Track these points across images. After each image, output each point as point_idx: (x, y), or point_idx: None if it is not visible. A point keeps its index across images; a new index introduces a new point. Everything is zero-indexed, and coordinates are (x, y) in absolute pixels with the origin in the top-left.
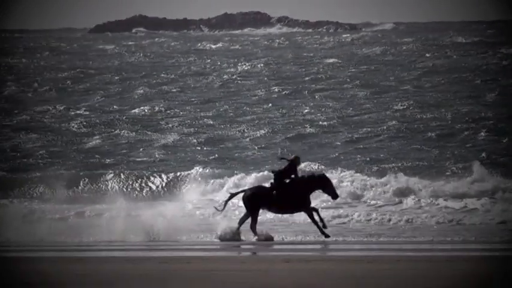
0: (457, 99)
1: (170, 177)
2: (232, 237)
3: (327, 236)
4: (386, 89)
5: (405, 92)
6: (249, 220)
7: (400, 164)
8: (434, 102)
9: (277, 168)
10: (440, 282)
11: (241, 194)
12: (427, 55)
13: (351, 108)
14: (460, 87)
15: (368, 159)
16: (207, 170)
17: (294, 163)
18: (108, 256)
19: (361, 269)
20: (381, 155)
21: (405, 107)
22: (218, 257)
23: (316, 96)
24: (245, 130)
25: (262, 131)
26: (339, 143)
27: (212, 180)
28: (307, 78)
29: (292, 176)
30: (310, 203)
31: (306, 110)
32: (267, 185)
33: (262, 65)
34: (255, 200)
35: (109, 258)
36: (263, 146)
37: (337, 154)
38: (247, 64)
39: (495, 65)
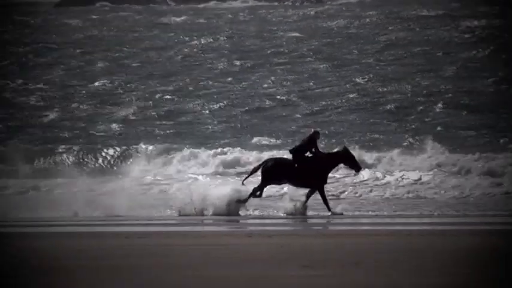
0: (418, 73)
1: (121, 151)
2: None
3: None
4: (348, 62)
5: (367, 66)
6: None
7: (357, 137)
8: (395, 76)
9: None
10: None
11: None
12: (390, 28)
13: (312, 82)
14: (422, 61)
15: (327, 132)
16: (154, 146)
17: (313, 137)
18: (78, 231)
19: (341, 243)
20: (341, 128)
21: (366, 80)
22: (185, 232)
23: (278, 70)
24: (205, 104)
25: (222, 104)
26: (299, 116)
27: (164, 155)
28: (269, 52)
29: (313, 150)
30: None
31: (267, 84)
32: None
33: (225, 38)
34: (274, 170)
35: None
36: (222, 119)
37: (295, 127)
38: (210, 38)
39: (457, 38)
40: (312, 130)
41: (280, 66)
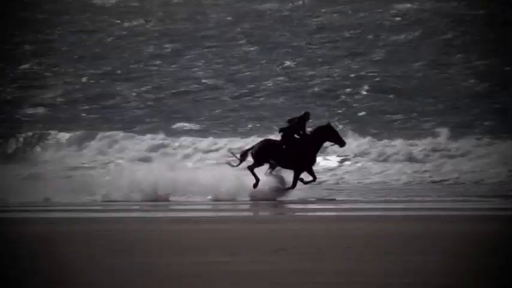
0: (349, 56)
1: (42, 135)
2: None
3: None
4: (279, 45)
5: (298, 49)
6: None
7: (284, 122)
8: (325, 59)
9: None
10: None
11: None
12: (323, 10)
13: (242, 65)
14: (353, 44)
15: (253, 115)
16: (78, 130)
17: (303, 119)
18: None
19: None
20: (267, 113)
21: (296, 63)
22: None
23: (209, 54)
24: (133, 87)
25: (149, 87)
26: (227, 99)
27: (87, 139)
28: (200, 35)
29: (301, 132)
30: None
31: (197, 67)
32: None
33: (156, 21)
34: (264, 152)
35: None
36: (149, 103)
37: (221, 110)
38: (141, 20)
39: (389, 21)
40: (303, 112)
41: (211, 49)
